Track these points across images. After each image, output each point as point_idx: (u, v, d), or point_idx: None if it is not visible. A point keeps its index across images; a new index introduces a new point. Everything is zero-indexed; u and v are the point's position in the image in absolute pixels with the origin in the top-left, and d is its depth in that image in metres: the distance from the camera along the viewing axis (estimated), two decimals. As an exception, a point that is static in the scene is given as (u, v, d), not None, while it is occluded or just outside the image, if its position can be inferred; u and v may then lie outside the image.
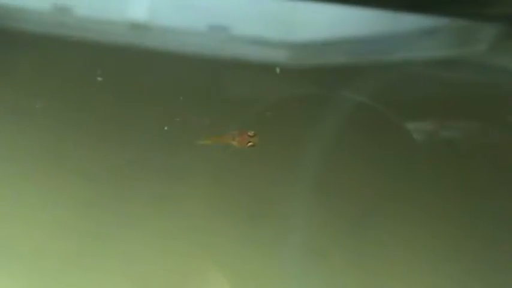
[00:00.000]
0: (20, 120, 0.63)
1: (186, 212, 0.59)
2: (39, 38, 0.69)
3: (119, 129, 0.63)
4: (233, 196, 0.61)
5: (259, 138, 0.59)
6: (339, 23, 0.72)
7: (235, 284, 0.57)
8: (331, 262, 0.58)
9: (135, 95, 0.65)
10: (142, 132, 0.62)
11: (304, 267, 0.58)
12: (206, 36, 0.71)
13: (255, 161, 0.62)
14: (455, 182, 0.63)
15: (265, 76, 0.67)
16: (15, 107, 0.63)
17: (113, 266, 0.57)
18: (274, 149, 0.62)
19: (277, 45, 0.71)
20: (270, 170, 0.62)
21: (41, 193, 0.60)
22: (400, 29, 0.71)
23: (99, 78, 0.65)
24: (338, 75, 0.69)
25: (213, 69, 0.68)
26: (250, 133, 0.59)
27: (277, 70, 0.66)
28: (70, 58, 0.67)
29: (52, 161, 0.61)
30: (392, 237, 0.60)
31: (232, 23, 0.71)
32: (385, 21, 0.71)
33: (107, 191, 0.60)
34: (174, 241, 0.58)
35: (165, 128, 0.61)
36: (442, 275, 0.58)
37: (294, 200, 0.61)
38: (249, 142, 0.59)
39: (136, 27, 0.71)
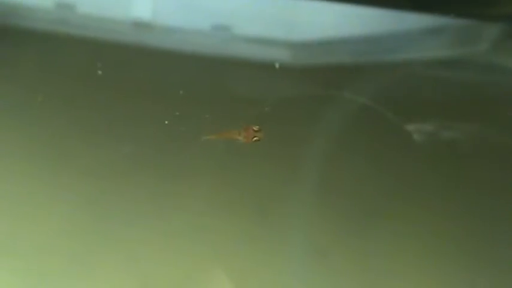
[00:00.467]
0: (22, 117, 0.63)
1: (190, 209, 0.59)
2: (43, 36, 0.69)
3: (122, 127, 0.63)
4: (236, 194, 0.61)
5: (263, 136, 0.60)
6: (341, 22, 0.72)
7: (238, 282, 0.57)
8: (333, 261, 0.58)
9: (138, 93, 0.65)
10: (146, 130, 0.62)
11: (307, 266, 0.58)
12: (208, 35, 0.71)
13: (257, 160, 0.62)
14: (457, 182, 0.63)
15: (267, 75, 0.67)
16: (19, 104, 0.63)
17: (117, 263, 0.57)
18: (277, 148, 0.62)
19: (279, 44, 0.71)
20: (272, 168, 0.62)
21: (44, 190, 0.60)
22: (402, 29, 0.71)
23: (101, 73, 0.65)
24: (340, 74, 0.69)
25: (215, 68, 0.68)
26: (256, 128, 0.60)
27: (277, 65, 0.67)
28: (73, 56, 0.67)
29: (55, 158, 0.61)
30: (394, 237, 0.60)
31: (234, 22, 0.71)
32: (387, 21, 0.71)
33: (110, 188, 0.60)
34: (178, 239, 0.58)
35: (166, 122, 0.62)
36: (444, 275, 0.58)
37: (296, 199, 0.61)
38: (254, 137, 0.60)
39: (139, 25, 0.71)
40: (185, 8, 0.72)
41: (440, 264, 0.59)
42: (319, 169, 0.62)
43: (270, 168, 0.62)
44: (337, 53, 0.71)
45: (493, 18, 0.70)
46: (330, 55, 0.71)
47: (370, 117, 0.65)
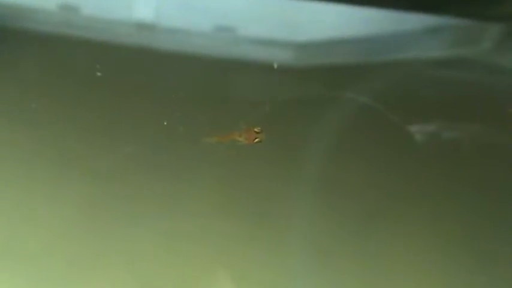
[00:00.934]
0: (25, 118, 0.63)
1: (191, 210, 0.60)
2: (47, 38, 0.69)
3: (124, 128, 0.63)
4: (237, 195, 0.61)
5: (265, 137, 0.60)
6: (344, 23, 0.72)
7: (239, 282, 0.57)
8: (334, 262, 0.59)
9: (141, 94, 0.65)
10: (147, 131, 0.63)
11: (308, 267, 0.58)
12: (212, 37, 0.71)
13: (259, 161, 0.62)
14: (459, 182, 0.63)
15: (270, 76, 0.67)
16: (22, 105, 0.63)
17: (118, 265, 0.57)
18: (278, 148, 0.62)
19: (282, 45, 0.71)
20: (274, 169, 0.62)
21: (45, 192, 0.60)
22: (403, 29, 0.71)
23: (104, 75, 0.65)
24: (343, 74, 0.69)
25: (218, 69, 0.68)
26: (257, 129, 0.60)
27: (275, 65, 0.67)
28: (76, 57, 0.67)
29: (58, 160, 0.62)
30: (395, 237, 0.60)
31: (237, 23, 0.71)
32: (388, 21, 0.71)
33: (111, 190, 0.60)
34: (179, 240, 0.58)
35: (165, 123, 0.62)
36: (446, 275, 0.58)
37: (298, 200, 0.61)
38: (256, 138, 0.60)
39: (142, 27, 0.71)
40: (188, 9, 0.72)
41: (442, 265, 0.59)
42: (321, 170, 0.62)
43: (272, 169, 0.62)
44: (339, 54, 0.71)
45: (495, 18, 0.70)
46: (332, 56, 0.71)
47: (372, 118, 0.65)
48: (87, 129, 0.63)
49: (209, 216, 0.59)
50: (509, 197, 0.62)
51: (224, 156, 0.61)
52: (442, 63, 0.70)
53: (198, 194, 0.60)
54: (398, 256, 0.59)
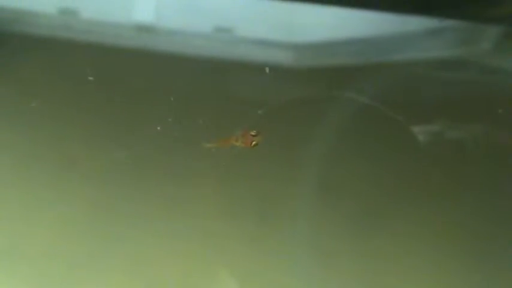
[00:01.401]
0: (26, 121, 0.64)
1: (193, 212, 0.60)
2: (46, 41, 0.69)
3: (127, 130, 0.64)
4: (239, 196, 0.61)
5: (264, 138, 0.60)
6: (343, 24, 0.72)
7: (242, 283, 0.57)
8: (337, 262, 0.59)
9: (141, 96, 0.65)
10: (149, 133, 0.63)
11: (311, 267, 0.58)
12: (211, 38, 0.71)
13: (260, 162, 0.62)
14: (460, 182, 0.63)
15: (269, 77, 0.67)
16: (22, 109, 0.64)
17: (121, 267, 0.57)
18: (279, 149, 0.63)
19: (281, 46, 0.71)
20: (275, 170, 0.62)
21: (47, 194, 0.60)
22: (404, 30, 0.71)
23: (105, 78, 0.65)
24: (342, 76, 0.69)
25: (217, 70, 0.68)
26: (253, 132, 0.60)
27: (267, 70, 0.67)
28: (76, 61, 0.67)
29: (59, 162, 0.62)
30: (398, 238, 0.60)
31: (236, 24, 0.71)
32: (389, 22, 0.71)
33: (113, 192, 0.61)
34: (181, 241, 0.59)
35: (158, 129, 0.62)
36: (448, 275, 0.58)
37: (300, 201, 0.61)
38: (253, 141, 0.60)
39: (141, 29, 0.71)
40: (187, 10, 0.72)
41: (443, 265, 0.59)
42: (323, 171, 0.62)
43: (273, 170, 0.62)
44: (339, 55, 0.71)
45: (493, 19, 0.70)
46: (332, 57, 0.71)
47: (373, 118, 0.65)
48: (88, 132, 0.63)
49: (211, 218, 0.60)
50: (510, 197, 0.61)
51: (225, 158, 0.61)
52: (443, 63, 0.70)
53: (199, 196, 0.60)
54: (400, 256, 0.59)
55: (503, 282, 0.58)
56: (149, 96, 0.65)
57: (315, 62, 0.71)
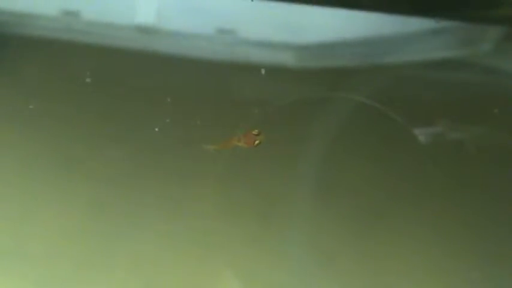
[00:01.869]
0: (28, 123, 0.64)
1: (195, 212, 0.60)
2: (48, 43, 0.69)
3: (129, 131, 0.64)
4: (240, 196, 0.61)
5: (267, 139, 0.60)
6: (345, 25, 0.72)
7: (243, 283, 0.57)
8: (338, 263, 0.59)
9: (144, 97, 0.66)
10: (151, 134, 0.63)
11: (312, 268, 0.58)
12: (213, 40, 0.71)
13: (261, 162, 0.62)
14: (462, 183, 0.63)
15: (271, 78, 0.67)
16: (24, 110, 0.64)
17: (123, 267, 0.57)
18: (281, 150, 0.63)
19: (283, 47, 0.71)
20: (276, 171, 0.62)
21: (49, 194, 0.60)
22: (405, 31, 0.71)
23: (106, 79, 0.66)
24: (344, 77, 0.69)
25: (219, 72, 0.68)
26: (255, 132, 0.59)
27: (263, 71, 0.67)
28: (78, 62, 0.68)
29: (61, 163, 0.62)
30: (398, 238, 0.60)
31: (238, 26, 0.71)
32: (389, 24, 0.71)
33: (115, 192, 0.61)
34: (183, 242, 0.59)
35: (156, 130, 0.62)
36: (451, 275, 0.59)
37: (301, 201, 0.61)
38: (256, 141, 0.59)
39: (143, 31, 0.71)
40: (189, 12, 0.72)
41: (446, 265, 0.59)
42: (324, 171, 0.62)
43: (274, 170, 0.63)
44: (341, 56, 0.71)
45: (496, 20, 0.70)
46: (334, 58, 0.71)
47: (374, 119, 0.65)
48: (90, 133, 0.64)
49: (213, 218, 0.60)
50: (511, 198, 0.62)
51: (226, 158, 0.61)
52: (442, 65, 0.70)
53: (201, 196, 0.60)
54: (401, 256, 0.59)
55: (504, 282, 0.58)
56: (151, 98, 0.65)
57: (317, 63, 0.71)
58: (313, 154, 0.63)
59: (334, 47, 0.71)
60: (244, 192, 0.61)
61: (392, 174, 0.63)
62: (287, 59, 0.70)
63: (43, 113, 0.64)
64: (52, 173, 0.61)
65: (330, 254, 0.59)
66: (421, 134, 0.64)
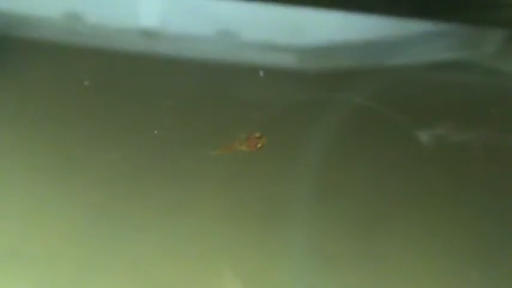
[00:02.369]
0: (30, 126, 0.64)
1: (196, 215, 0.60)
2: (50, 46, 0.69)
3: (131, 134, 0.64)
4: (241, 199, 0.61)
5: (268, 141, 0.60)
6: (347, 28, 0.72)
7: (245, 285, 0.58)
8: (339, 265, 0.59)
9: (146, 100, 0.66)
10: (152, 137, 0.63)
11: (313, 270, 0.58)
12: (215, 42, 0.71)
13: (263, 164, 0.62)
14: (464, 185, 0.63)
15: (273, 80, 0.67)
16: (26, 113, 0.64)
17: (125, 270, 0.57)
18: (283, 152, 0.63)
19: (285, 50, 0.71)
20: (278, 173, 0.62)
21: (50, 197, 0.60)
22: (406, 33, 0.71)
23: (109, 82, 0.66)
24: (346, 79, 0.69)
25: (221, 74, 0.69)
26: (257, 135, 0.60)
27: (261, 73, 0.67)
28: (81, 65, 0.68)
29: (63, 166, 0.62)
30: (400, 241, 0.60)
31: (240, 29, 0.71)
32: (391, 26, 0.71)
33: (118, 195, 0.61)
34: (184, 244, 0.59)
35: (155, 132, 0.62)
36: (452, 278, 0.58)
37: (304, 203, 0.61)
38: (258, 144, 0.59)
39: (146, 34, 0.71)
40: (191, 14, 0.72)
41: (447, 267, 0.59)
42: (325, 173, 0.62)
43: (276, 172, 0.63)
44: (342, 58, 0.71)
45: (497, 23, 0.70)
46: (337, 60, 0.72)
47: (375, 121, 0.65)
48: (92, 136, 0.64)
49: (214, 221, 0.60)
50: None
51: (228, 160, 0.61)
52: (444, 67, 0.70)
53: (202, 199, 0.60)
54: (402, 258, 0.59)
55: (507, 285, 0.58)
56: (154, 100, 0.65)
57: (318, 65, 0.71)
58: (315, 156, 0.63)
59: (335, 49, 0.72)
60: (245, 194, 0.61)
61: (393, 176, 0.63)
62: (288, 61, 0.71)
63: (45, 116, 0.64)
64: (52, 175, 0.61)
65: (331, 255, 0.59)
66: (423, 136, 0.64)
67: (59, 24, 0.71)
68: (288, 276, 0.58)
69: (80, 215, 0.59)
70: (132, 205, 0.60)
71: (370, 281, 0.58)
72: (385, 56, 0.71)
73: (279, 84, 0.67)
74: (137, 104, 0.65)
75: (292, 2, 0.70)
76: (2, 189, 0.61)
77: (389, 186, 0.63)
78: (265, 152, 0.60)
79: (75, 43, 0.70)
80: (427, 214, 0.61)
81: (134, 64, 0.69)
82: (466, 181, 0.63)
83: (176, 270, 0.58)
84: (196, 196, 0.61)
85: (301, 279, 0.58)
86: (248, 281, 0.58)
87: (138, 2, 0.73)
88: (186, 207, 0.60)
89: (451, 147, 0.64)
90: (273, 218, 0.61)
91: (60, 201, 0.60)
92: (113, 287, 0.57)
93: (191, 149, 0.62)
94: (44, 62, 0.69)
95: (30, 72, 0.67)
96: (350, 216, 0.61)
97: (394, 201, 0.62)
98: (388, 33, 0.71)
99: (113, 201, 0.60)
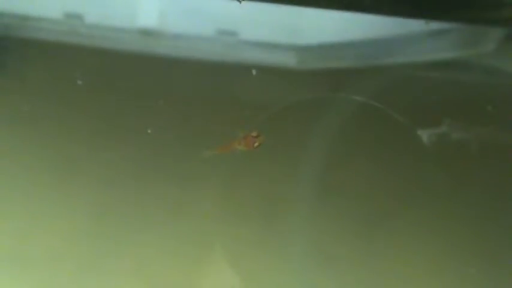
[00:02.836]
0: (33, 127, 0.64)
1: (197, 214, 0.60)
2: (51, 46, 0.70)
3: (132, 134, 0.64)
4: (242, 198, 0.61)
5: (267, 140, 0.60)
6: (346, 27, 0.72)
7: (246, 284, 0.58)
8: (340, 264, 0.59)
9: (145, 100, 0.66)
10: (155, 136, 0.63)
11: (315, 269, 0.58)
12: (214, 41, 0.71)
13: (263, 163, 0.62)
14: (465, 184, 0.63)
15: (273, 79, 0.67)
16: (27, 114, 0.64)
17: (127, 269, 0.57)
18: (282, 151, 0.63)
19: (284, 49, 0.71)
20: (278, 172, 0.62)
21: (52, 197, 0.61)
22: (406, 32, 0.71)
23: (109, 82, 0.66)
24: (346, 78, 0.69)
25: (220, 73, 0.69)
26: (254, 134, 0.60)
27: (254, 72, 0.67)
28: (81, 65, 0.68)
29: (64, 166, 0.62)
30: (401, 240, 0.60)
31: (239, 28, 0.71)
32: (390, 25, 0.71)
33: (119, 195, 0.61)
34: (187, 244, 0.59)
35: (150, 132, 0.62)
36: (454, 278, 0.58)
37: (303, 202, 0.61)
38: (255, 143, 0.59)
39: (145, 33, 0.72)
40: (190, 14, 0.72)
41: (449, 267, 0.59)
42: (326, 172, 0.62)
43: (276, 171, 0.63)
44: (342, 57, 0.71)
45: (497, 21, 0.70)
46: (336, 59, 0.71)
47: (376, 120, 0.65)
48: (92, 136, 0.64)
49: (214, 220, 0.60)
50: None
51: (227, 159, 0.61)
52: (445, 66, 0.70)
53: (202, 198, 0.61)
54: (403, 257, 0.59)
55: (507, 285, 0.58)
56: (153, 99, 0.65)
57: (318, 64, 0.71)
58: (315, 155, 0.63)
59: (335, 48, 0.72)
60: (245, 193, 0.61)
61: (394, 175, 0.63)
62: (288, 60, 0.71)
63: (45, 116, 0.64)
64: (52, 175, 0.62)
65: (331, 254, 0.59)
66: (424, 135, 0.64)
67: (59, 24, 0.71)
68: (288, 275, 0.58)
69: (80, 215, 0.60)
70: (131, 205, 0.60)
71: (371, 280, 0.58)
72: (385, 55, 0.71)
73: (279, 83, 0.67)
74: (136, 103, 0.65)
75: (292, 1, 0.70)
76: (2, 189, 0.61)
77: (389, 185, 0.63)
78: (264, 151, 0.60)
79: (74, 43, 0.70)
80: (427, 213, 0.61)
81: (133, 63, 0.69)
82: (466, 180, 0.63)
83: (178, 269, 0.58)
84: (196, 195, 0.61)
85: (301, 278, 0.58)
86: (248, 280, 0.58)
87: (136, 1, 0.73)
88: (186, 206, 0.60)
89: (452, 146, 0.64)
90: (273, 217, 0.61)
91: (60, 201, 0.60)
92: (114, 287, 0.57)
93: (190, 149, 0.62)
94: (44, 61, 0.69)
95: (30, 72, 0.68)
96: (350, 215, 0.61)
97: (394, 200, 0.62)
98: (388, 33, 0.71)
99: (113, 201, 0.61)
